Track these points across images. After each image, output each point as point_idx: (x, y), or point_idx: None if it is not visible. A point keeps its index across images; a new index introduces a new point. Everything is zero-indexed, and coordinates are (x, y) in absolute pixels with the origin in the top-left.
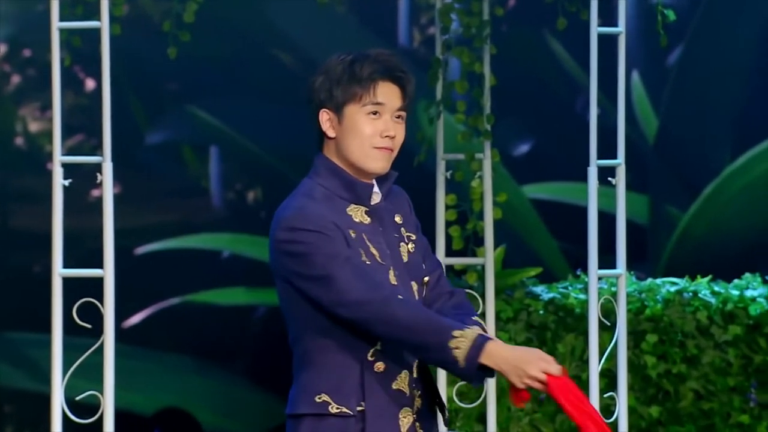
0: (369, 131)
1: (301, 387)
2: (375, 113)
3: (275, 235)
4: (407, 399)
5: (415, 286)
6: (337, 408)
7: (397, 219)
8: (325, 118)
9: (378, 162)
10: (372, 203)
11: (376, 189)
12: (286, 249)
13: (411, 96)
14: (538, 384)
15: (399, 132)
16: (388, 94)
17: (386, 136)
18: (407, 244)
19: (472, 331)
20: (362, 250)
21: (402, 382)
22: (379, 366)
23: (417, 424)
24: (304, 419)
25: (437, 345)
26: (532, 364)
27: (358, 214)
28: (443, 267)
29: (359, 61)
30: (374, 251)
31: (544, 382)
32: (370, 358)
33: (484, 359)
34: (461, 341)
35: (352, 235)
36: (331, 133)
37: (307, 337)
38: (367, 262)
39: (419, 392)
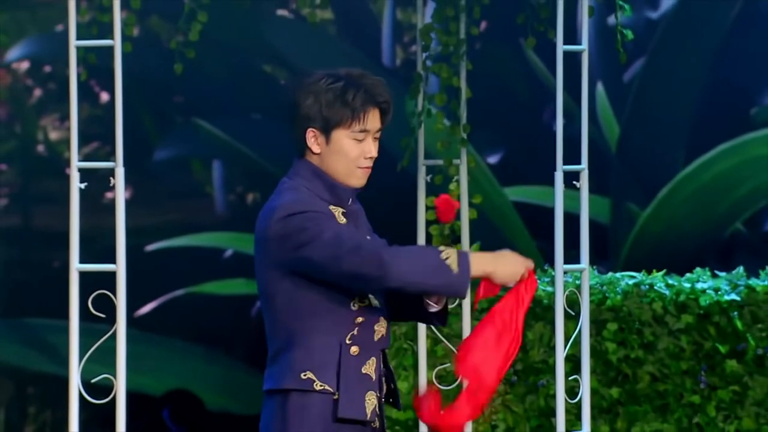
0: (355, 154)
1: (287, 365)
2: (361, 139)
3: (268, 227)
4: (373, 383)
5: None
6: (321, 385)
7: (363, 219)
8: (311, 135)
9: (360, 180)
10: (348, 204)
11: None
12: (284, 231)
13: (390, 117)
14: (525, 275)
15: (376, 150)
16: (373, 119)
17: (368, 157)
18: None
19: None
20: None
21: (370, 367)
22: (354, 350)
23: (382, 407)
24: (290, 394)
25: (435, 262)
26: (520, 259)
27: (337, 214)
28: None
29: (351, 88)
30: None
31: (524, 277)
32: (347, 342)
33: (473, 263)
34: (448, 252)
35: None
36: (316, 150)
37: (293, 321)
38: None
39: (385, 378)
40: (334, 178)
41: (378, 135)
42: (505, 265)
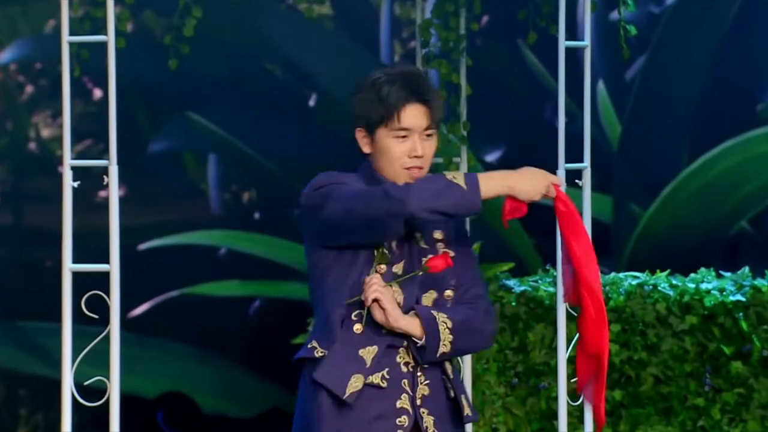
0: (398, 153)
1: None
2: (403, 136)
3: (302, 200)
4: (365, 369)
5: (432, 295)
6: (321, 352)
7: (437, 234)
8: (360, 135)
9: (410, 181)
10: None
11: None
12: (308, 202)
13: (439, 113)
14: (552, 192)
15: (428, 149)
16: (414, 116)
17: (414, 156)
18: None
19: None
20: None
21: (368, 353)
22: (358, 328)
23: (421, 410)
24: (305, 364)
25: (443, 184)
26: (541, 174)
27: None
28: (482, 284)
29: (387, 84)
30: (385, 249)
31: (552, 195)
32: (353, 318)
33: (489, 181)
34: (454, 173)
35: None
36: (366, 150)
37: (321, 297)
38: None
39: (428, 381)
40: (385, 178)
41: (430, 132)
42: (525, 180)
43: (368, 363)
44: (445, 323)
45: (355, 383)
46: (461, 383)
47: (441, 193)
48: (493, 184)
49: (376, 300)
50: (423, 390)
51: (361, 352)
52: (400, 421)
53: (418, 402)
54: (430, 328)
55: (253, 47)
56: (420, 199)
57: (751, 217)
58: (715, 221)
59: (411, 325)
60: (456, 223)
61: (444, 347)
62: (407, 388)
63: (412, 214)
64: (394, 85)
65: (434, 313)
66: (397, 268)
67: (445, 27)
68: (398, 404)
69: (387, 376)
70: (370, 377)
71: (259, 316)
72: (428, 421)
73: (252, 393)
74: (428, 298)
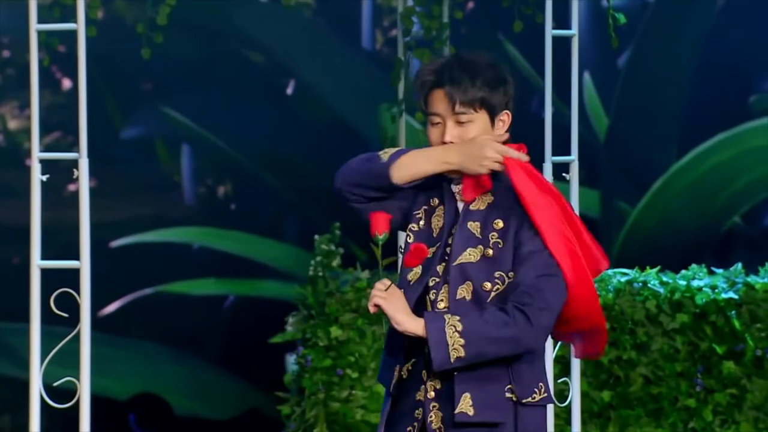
0: (433, 140)
1: None
2: (437, 123)
3: None
4: (398, 358)
5: (469, 286)
6: None
7: (497, 224)
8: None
9: None
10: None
11: (452, 188)
12: None
13: (471, 95)
14: (497, 165)
15: (460, 134)
16: (440, 101)
17: (444, 142)
18: (486, 248)
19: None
20: (424, 221)
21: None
22: None
23: (431, 404)
24: None
25: (369, 156)
26: (488, 146)
27: (440, 210)
28: (534, 284)
29: (420, 72)
30: (434, 226)
31: (501, 162)
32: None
33: (413, 154)
34: (390, 149)
35: (428, 206)
36: None
37: None
38: (414, 228)
39: (439, 375)
40: None
41: (462, 120)
42: (462, 154)
43: (402, 353)
44: (454, 326)
45: (397, 374)
46: (492, 378)
47: (362, 167)
48: (424, 158)
49: (377, 306)
50: (434, 383)
51: (406, 342)
52: (417, 413)
53: (431, 395)
54: (435, 331)
55: (228, 34)
56: (344, 174)
57: (744, 212)
58: (707, 216)
59: (417, 327)
60: (523, 216)
61: (456, 352)
62: (425, 380)
63: (339, 189)
64: (423, 71)
65: (447, 316)
66: (428, 253)
67: (427, 15)
68: (417, 396)
69: (410, 368)
70: (402, 369)
71: (235, 314)
72: (435, 416)
73: (227, 394)
74: (465, 290)
